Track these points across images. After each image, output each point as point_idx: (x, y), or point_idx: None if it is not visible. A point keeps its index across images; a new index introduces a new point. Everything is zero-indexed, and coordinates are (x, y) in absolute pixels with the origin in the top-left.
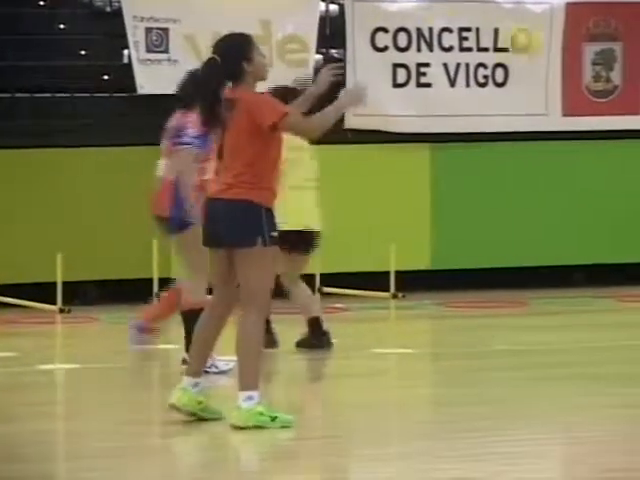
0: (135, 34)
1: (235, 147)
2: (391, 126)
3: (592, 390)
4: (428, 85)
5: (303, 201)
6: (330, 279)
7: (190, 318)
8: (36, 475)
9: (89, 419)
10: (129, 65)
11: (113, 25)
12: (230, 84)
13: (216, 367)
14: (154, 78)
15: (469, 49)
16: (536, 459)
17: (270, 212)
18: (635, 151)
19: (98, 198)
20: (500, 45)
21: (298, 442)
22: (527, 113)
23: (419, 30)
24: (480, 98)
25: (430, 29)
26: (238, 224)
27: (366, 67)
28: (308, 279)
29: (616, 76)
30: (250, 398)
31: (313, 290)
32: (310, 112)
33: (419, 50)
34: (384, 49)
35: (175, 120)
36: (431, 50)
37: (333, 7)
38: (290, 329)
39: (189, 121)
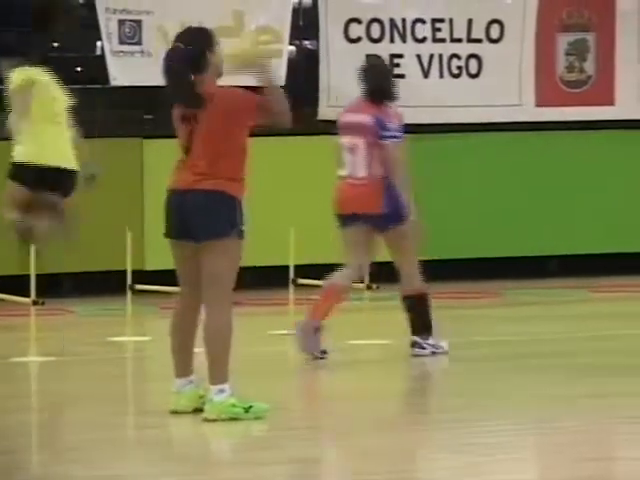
0: (108, 26)
1: (210, 139)
2: None
3: (568, 381)
4: (402, 76)
5: (58, 138)
6: (304, 270)
7: (417, 303)
8: (17, 466)
9: (65, 411)
10: (102, 57)
11: (86, 17)
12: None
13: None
14: (127, 70)
15: (442, 40)
16: (512, 450)
17: (242, 204)
18: (609, 142)
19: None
20: (473, 36)
21: (271, 432)
22: (501, 104)
23: (392, 21)
24: (454, 89)
25: (403, 20)
26: (214, 215)
27: (339, 58)
28: (282, 270)
29: (589, 66)
30: (222, 391)
31: (287, 282)
32: None
33: (392, 41)
34: (357, 40)
35: (350, 115)
36: (404, 41)
37: None
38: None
39: (388, 114)
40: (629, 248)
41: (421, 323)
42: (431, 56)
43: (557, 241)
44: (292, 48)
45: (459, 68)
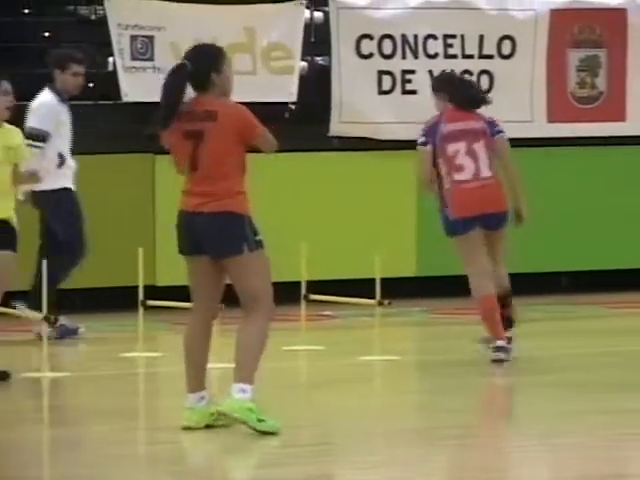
0: (120, 42)
1: (216, 158)
2: (376, 133)
3: (574, 397)
4: (413, 92)
5: None
6: (316, 286)
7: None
8: None
9: (78, 427)
10: (114, 73)
11: (98, 33)
12: (196, 92)
13: None
14: (139, 86)
15: (454, 56)
16: (518, 466)
17: (250, 217)
18: (620, 158)
19: (84, 206)
20: (485, 52)
21: (283, 449)
22: (512, 120)
23: (404, 37)
24: None
25: (415, 36)
26: (225, 235)
27: (351, 74)
28: (294, 286)
29: (601, 82)
30: (243, 391)
31: (299, 297)
32: None
33: (404, 57)
34: (369, 56)
35: (460, 124)
36: (416, 57)
37: (318, 14)
38: None
39: (487, 116)
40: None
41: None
42: (443, 72)
43: (569, 257)
44: (304, 64)
45: None
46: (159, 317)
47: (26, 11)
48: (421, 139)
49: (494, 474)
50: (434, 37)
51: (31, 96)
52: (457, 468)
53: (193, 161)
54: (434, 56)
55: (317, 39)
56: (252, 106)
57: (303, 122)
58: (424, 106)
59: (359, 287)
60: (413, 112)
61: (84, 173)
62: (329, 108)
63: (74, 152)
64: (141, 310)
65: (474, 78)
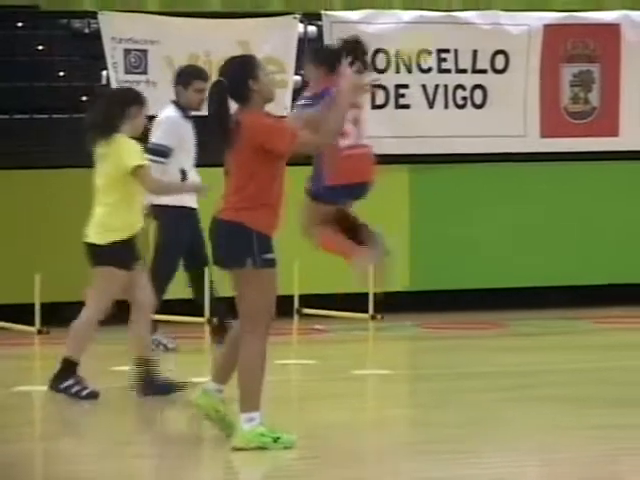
0: (114, 55)
1: (237, 168)
2: None
3: (568, 412)
4: (407, 106)
5: None
6: (309, 300)
7: None
8: None
9: (71, 441)
10: (108, 86)
11: (92, 46)
12: (238, 105)
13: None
14: None
15: (448, 70)
16: None
17: (262, 234)
18: (613, 173)
19: (76, 219)
20: (478, 66)
21: (275, 463)
22: (505, 134)
23: (397, 52)
24: (459, 120)
25: (409, 51)
26: (231, 245)
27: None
28: (287, 300)
29: (594, 98)
30: (251, 420)
31: (292, 312)
32: None
33: (398, 71)
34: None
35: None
36: (409, 72)
37: (311, 29)
38: None
39: None
40: (633, 279)
41: None
42: (436, 86)
43: (560, 272)
44: (298, 78)
45: (464, 99)
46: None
47: (19, 24)
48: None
49: None
50: (428, 52)
51: (25, 109)
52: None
53: (226, 171)
54: (427, 71)
55: None
56: None
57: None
58: (417, 120)
59: (352, 301)
60: (406, 126)
61: (79, 186)
62: None
63: (69, 166)
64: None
65: (467, 93)
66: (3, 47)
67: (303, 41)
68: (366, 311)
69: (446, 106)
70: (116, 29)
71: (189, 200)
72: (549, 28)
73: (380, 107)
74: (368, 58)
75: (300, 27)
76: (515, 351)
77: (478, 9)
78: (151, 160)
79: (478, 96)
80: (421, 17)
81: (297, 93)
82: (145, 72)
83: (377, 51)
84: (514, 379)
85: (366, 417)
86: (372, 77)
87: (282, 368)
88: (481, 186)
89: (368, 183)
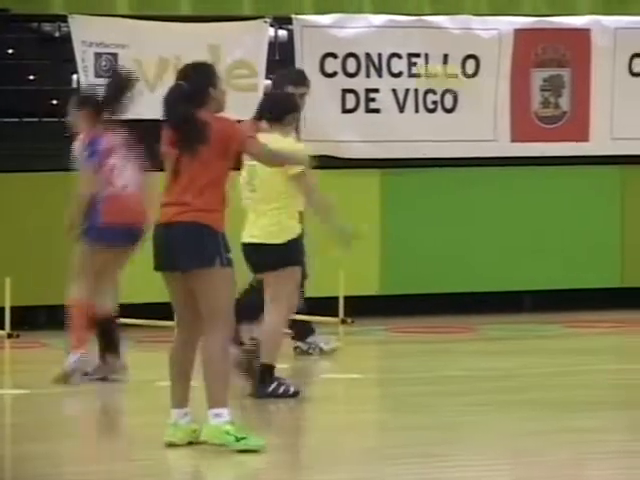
0: (84, 59)
1: (199, 169)
2: (340, 152)
3: (540, 415)
4: (377, 111)
5: None
6: None
7: None
8: None
9: (41, 444)
10: (78, 90)
11: (62, 50)
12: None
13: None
14: None
15: (418, 75)
16: None
17: (224, 234)
18: (583, 177)
19: (46, 223)
20: (449, 71)
21: (244, 466)
22: (476, 139)
23: (368, 56)
24: (429, 124)
25: (379, 55)
26: (198, 246)
27: (315, 92)
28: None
29: (564, 102)
30: (218, 415)
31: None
32: None
33: (368, 76)
34: (333, 75)
35: None
36: (380, 76)
37: (282, 33)
38: None
39: None
40: (602, 284)
41: None
42: (407, 91)
43: (531, 276)
44: (268, 82)
45: (434, 103)
46: (124, 334)
47: None
48: None
49: None
50: (398, 56)
51: None
52: None
53: (176, 172)
54: (398, 75)
55: (281, 57)
56: None
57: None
58: (388, 125)
59: (322, 305)
60: (377, 131)
61: (48, 190)
62: None
63: (39, 170)
64: None
65: (438, 97)
66: None
67: (274, 45)
68: (336, 315)
69: (417, 110)
70: (86, 33)
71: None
72: (520, 33)
73: (350, 111)
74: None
75: (271, 31)
76: (486, 355)
77: (448, 13)
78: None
79: (449, 100)
80: (391, 21)
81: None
82: None
83: (347, 55)
84: (485, 383)
85: (336, 421)
86: None
87: None
88: (452, 190)
89: (140, 226)
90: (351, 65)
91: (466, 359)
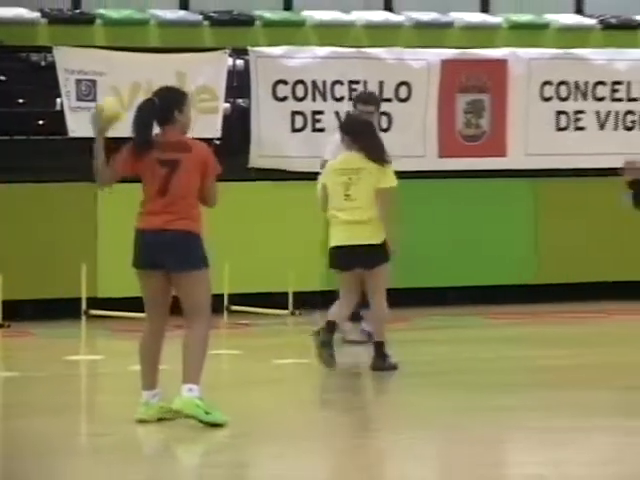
0: (67, 85)
1: (185, 185)
2: (289, 166)
3: (467, 395)
4: (322, 130)
5: None
6: (236, 299)
7: None
8: None
9: (28, 421)
10: (62, 112)
11: (47, 77)
12: (160, 127)
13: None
14: (83, 123)
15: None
16: (414, 456)
17: (203, 239)
18: (501, 189)
19: (34, 228)
20: (385, 96)
21: (212, 439)
22: (408, 155)
23: (314, 82)
24: None
25: (324, 82)
26: (188, 251)
27: (268, 114)
28: (217, 298)
29: (485, 123)
30: (191, 390)
31: (222, 308)
32: None
33: (314, 100)
34: (284, 99)
35: None
36: (325, 100)
37: (239, 62)
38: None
39: None
40: (518, 281)
41: None
42: (347, 112)
43: (456, 274)
44: (227, 105)
45: None
46: (100, 325)
47: None
48: None
49: (389, 461)
50: (340, 83)
51: None
52: (351, 455)
53: (164, 186)
54: (340, 99)
55: (239, 83)
56: None
57: (226, 155)
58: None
59: (274, 299)
60: (321, 147)
61: (36, 199)
62: (249, 143)
63: (28, 181)
64: (84, 318)
65: (375, 118)
66: None
67: (232, 73)
68: (286, 308)
69: None
70: (69, 62)
71: None
72: (446, 63)
73: (299, 130)
74: None
75: (229, 61)
76: (418, 342)
77: (384, 46)
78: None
79: (384, 121)
80: (334, 53)
81: (227, 118)
82: (94, 99)
83: (296, 82)
84: (418, 367)
85: (286, 400)
86: None
87: (214, 357)
88: None
89: None
90: (299, 91)
91: (400, 345)
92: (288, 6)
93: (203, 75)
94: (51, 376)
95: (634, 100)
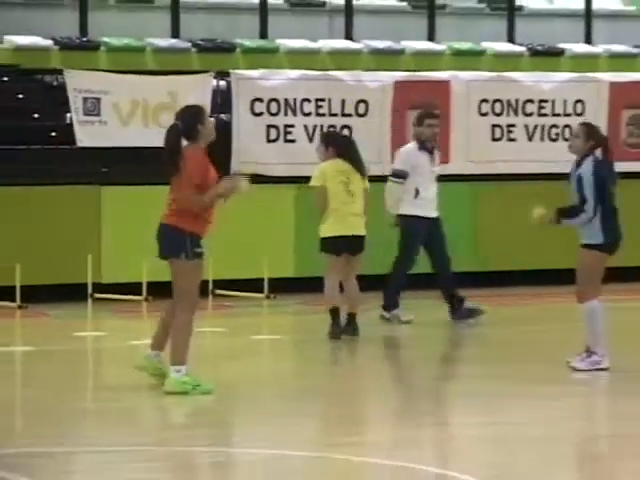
0: (75, 102)
1: (179, 187)
2: (265, 171)
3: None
4: (293, 141)
5: None
6: (220, 284)
7: None
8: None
9: (44, 387)
10: (71, 125)
11: (59, 95)
12: (188, 142)
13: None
14: (89, 135)
15: (323, 114)
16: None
17: (194, 234)
18: (445, 191)
19: (47, 223)
20: (346, 112)
21: (197, 405)
22: (366, 161)
23: (286, 100)
24: None
25: (294, 99)
26: (172, 241)
27: (247, 128)
28: (204, 283)
29: None
30: (178, 371)
31: (207, 292)
32: None
33: (286, 115)
34: (260, 114)
35: None
36: (295, 115)
37: (222, 83)
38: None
39: None
40: (463, 268)
41: None
42: (314, 126)
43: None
44: (212, 120)
45: None
46: (103, 307)
47: (4, 79)
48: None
49: (353, 431)
50: (308, 100)
51: (10, 142)
52: (320, 416)
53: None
54: (308, 114)
55: (222, 101)
56: None
57: (211, 162)
58: (301, 151)
59: (251, 284)
60: (292, 156)
61: (49, 200)
62: (230, 152)
63: (43, 184)
64: (90, 301)
65: (338, 130)
66: None
67: (217, 92)
68: (262, 292)
69: None
70: (77, 83)
71: (429, 211)
72: (398, 84)
73: (273, 141)
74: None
75: (214, 82)
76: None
77: (346, 69)
78: (392, 181)
79: (346, 133)
80: (303, 75)
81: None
82: (99, 114)
83: (271, 100)
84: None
85: (262, 371)
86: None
87: (200, 334)
88: None
89: None
90: (273, 107)
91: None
92: (264, 35)
93: (192, 94)
94: (62, 350)
95: (557, 115)
